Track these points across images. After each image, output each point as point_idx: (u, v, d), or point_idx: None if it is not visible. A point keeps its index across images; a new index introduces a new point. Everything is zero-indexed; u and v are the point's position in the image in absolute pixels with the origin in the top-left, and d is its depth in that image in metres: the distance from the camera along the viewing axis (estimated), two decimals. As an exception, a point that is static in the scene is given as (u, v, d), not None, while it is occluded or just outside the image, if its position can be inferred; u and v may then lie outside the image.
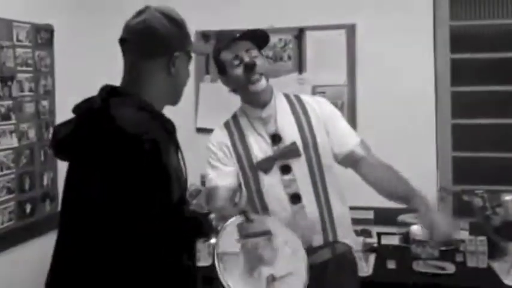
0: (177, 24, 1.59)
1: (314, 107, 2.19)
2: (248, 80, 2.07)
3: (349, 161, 2.19)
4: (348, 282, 2.17)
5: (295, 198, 2.09)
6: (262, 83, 2.09)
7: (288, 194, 2.09)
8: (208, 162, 2.20)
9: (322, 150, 2.14)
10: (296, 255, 1.73)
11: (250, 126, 2.16)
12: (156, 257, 1.39)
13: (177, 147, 1.58)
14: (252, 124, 2.16)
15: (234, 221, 1.70)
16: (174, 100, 1.66)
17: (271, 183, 2.10)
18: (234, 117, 2.22)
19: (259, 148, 2.12)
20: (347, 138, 2.20)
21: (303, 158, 2.11)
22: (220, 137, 2.19)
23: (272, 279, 1.59)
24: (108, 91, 1.53)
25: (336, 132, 2.18)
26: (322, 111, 2.19)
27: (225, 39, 2.12)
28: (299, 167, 2.11)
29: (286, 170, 2.10)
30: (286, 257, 1.69)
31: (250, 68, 2.06)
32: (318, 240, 2.09)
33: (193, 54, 1.69)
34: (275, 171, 2.10)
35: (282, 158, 2.11)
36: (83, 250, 1.43)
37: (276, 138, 2.12)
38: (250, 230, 1.65)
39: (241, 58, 2.07)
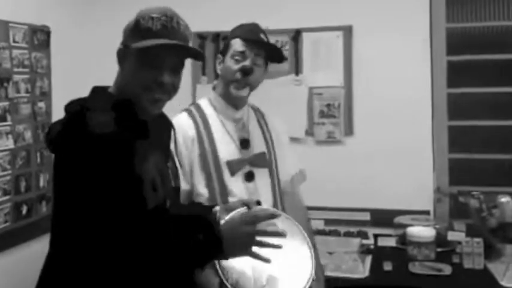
0: (134, 20, 1.51)
1: (276, 128, 2.25)
2: (236, 80, 2.06)
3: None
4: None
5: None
6: (245, 91, 2.09)
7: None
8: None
9: (280, 167, 2.21)
10: (300, 242, 1.72)
11: (219, 123, 2.12)
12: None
13: (167, 155, 1.57)
14: (223, 122, 2.12)
15: (237, 212, 1.69)
16: (127, 96, 1.50)
17: (235, 187, 2.07)
18: (198, 107, 2.16)
19: (226, 148, 2.09)
20: (284, 170, 2.25)
21: (266, 169, 2.14)
22: (185, 126, 2.08)
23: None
24: (91, 90, 1.54)
25: (279, 162, 2.23)
26: (279, 137, 2.25)
27: (249, 32, 2.09)
28: (262, 177, 2.12)
29: (250, 177, 2.10)
30: (291, 246, 1.67)
31: (245, 72, 2.05)
32: None
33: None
34: (238, 176, 2.08)
35: (251, 164, 2.11)
36: (54, 249, 1.48)
37: (245, 143, 2.12)
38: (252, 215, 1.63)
39: (245, 58, 2.06)
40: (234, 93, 2.08)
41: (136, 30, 1.49)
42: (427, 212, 3.16)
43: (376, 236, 3.06)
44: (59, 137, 1.42)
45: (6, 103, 2.89)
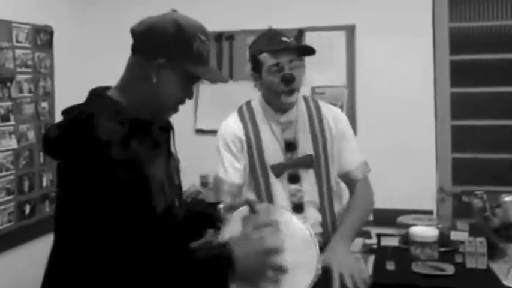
0: (180, 31, 1.44)
1: (330, 122, 2.21)
2: (282, 91, 2.07)
3: (345, 179, 2.27)
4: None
5: (298, 208, 2.11)
6: (294, 96, 2.11)
7: (292, 203, 2.11)
8: (218, 150, 2.17)
9: (331, 164, 2.19)
10: (305, 245, 1.67)
11: (268, 126, 2.15)
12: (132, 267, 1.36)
13: (169, 153, 1.55)
14: (270, 124, 2.15)
15: (238, 213, 1.68)
16: (155, 114, 1.51)
17: (277, 188, 2.12)
18: (250, 108, 2.20)
19: (273, 151, 2.13)
20: (349, 159, 2.24)
21: (312, 170, 2.14)
22: (234, 128, 2.16)
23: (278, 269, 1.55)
24: (90, 94, 1.50)
25: (342, 151, 2.22)
26: (337, 128, 2.22)
27: (272, 42, 2.08)
28: (308, 178, 2.14)
29: (294, 179, 2.13)
30: (294, 248, 1.64)
31: (288, 81, 2.06)
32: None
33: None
34: (283, 178, 2.12)
35: (294, 167, 2.13)
36: (59, 252, 1.46)
37: (291, 146, 2.14)
38: (255, 222, 1.61)
39: (282, 67, 2.06)
40: (284, 101, 2.10)
41: (187, 50, 1.45)
42: (430, 212, 3.16)
43: (379, 236, 3.05)
44: (60, 141, 1.40)
45: (9, 103, 2.90)
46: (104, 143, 1.33)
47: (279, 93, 2.09)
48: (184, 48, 1.45)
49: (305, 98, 2.24)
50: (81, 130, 1.37)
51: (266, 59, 2.08)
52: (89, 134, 1.34)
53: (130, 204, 1.35)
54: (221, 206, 1.77)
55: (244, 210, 1.69)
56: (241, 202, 1.74)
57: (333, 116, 2.24)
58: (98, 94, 1.50)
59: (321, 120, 2.20)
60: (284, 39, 2.10)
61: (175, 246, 1.48)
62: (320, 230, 2.14)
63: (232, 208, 1.73)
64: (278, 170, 2.12)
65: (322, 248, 2.04)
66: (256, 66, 2.12)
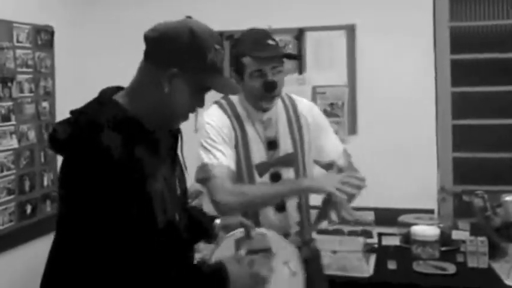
0: (194, 41, 1.41)
1: (306, 116, 2.21)
2: (263, 96, 2.05)
3: (330, 168, 2.26)
4: (321, 271, 2.33)
5: (281, 208, 2.10)
6: (274, 102, 2.10)
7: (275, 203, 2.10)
8: (206, 139, 2.07)
9: (307, 161, 2.18)
10: (295, 276, 1.71)
11: (251, 124, 2.13)
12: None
13: (174, 160, 1.54)
14: (253, 122, 2.13)
15: (233, 235, 1.68)
16: (165, 122, 1.49)
17: None
18: (231, 104, 2.14)
19: (257, 149, 2.11)
20: (331, 149, 2.25)
21: (292, 168, 2.13)
22: (223, 121, 2.10)
23: None
24: (98, 101, 1.48)
25: (322, 142, 2.23)
26: (314, 120, 2.22)
27: (257, 45, 2.03)
28: (288, 176, 2.12)
29: (276, 178, 2.11)
30: (283, 277, 1.66)
31: (270, 88, 2.04)
32: (295, 241, 2.06)
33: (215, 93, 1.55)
34: (265, 177, 2.10)
35: (277, 166, 2.11)
36: (58, 252, 1.45)
37: (272, 144, 2.12)
38: (248, 247, 1.61)
39: (265, 74, 2.03)
40: (264, 106, 2.09)
41: (201, 60, 1.42)
42: (431, 211, 3.16)
43: (380, 235, 3.06)
44: (69, 143, 1.40)
45: (10, 103, 2.90)
46: (108, 154, 1.33)
47: (259, 98, 2.06)
48: (198, 58, 1.42)
49: (281, 97, 2.20)
50: (87, 142, 1.36)
51: (249, 63, 2.03)
52: (95, 147, 1.34)
53: (132, 217, 1.35)
54: (218, 222, 1.76)
55: (238, 233, 1.69)
56: (236, 223, 1.73)
57: (308, 110, 2.24)
58: (106, 101, 1.46)
59: (297, 118, 2.20)
60: (270, 42, 2.06)
61: (174, 254, 1.48)
62: (298, 228, 2.14)
63: (227, 227, 1.72)
64: (262, 169, 2.10)
65: (300, 247, 2.05)
66: (239, 68, 2.08)
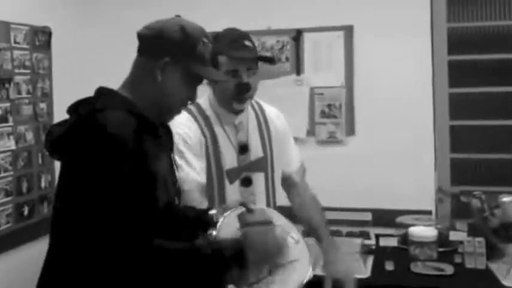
0: (184, 34, 1.53)
1: (274, 122, 2.22)
2: (235, 97, 2.04)
3: (285, 182, 2.28)
4: None
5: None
6: (246, 104, 2.10)
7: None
8: (179, 151, 1.99)
9: (276, 167, 2.20)
10: (299, 243, 1.73)
11: (222, 129, 2.09)
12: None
13: (171, 150, 1.57)
14: (223, 126, 2.10)
15: (234, 211, 1.68)
16: (160, 113, 1.57)
17: (230, 192, 2.07)
18: (199, 109, 2.10)
19: (228, 154, 2.08)
20: (290, 161, 2.27)
21: (263, 173, 2.14)
22: (192, 129, 2.05)
23: (275, 265, 1.58)
24: (98, 92, 1.54)
25: (284, 153, 2.24)
26: (280, 129, 2.24)
27: (234, 45, 2.01)
28: (258, 181, 2.13)
29: (246, 182, 2.10)
30: (290, 245, 1.66)
31: (244, 90, 2.03)
32: None
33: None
34: (235, 183, 2.09)
35: (248, 171, 2.11)
36: (55, 254, 1.47)
37: (244, 148, 2.11)
38: (251, 219, 1.62)
39: (240, 76, 2.01)
40: (236, 107, 2.07)
41: (191, 52, 1.54)
42: (428, 212, 3.16)
43: (377, 236, 3.05)
44: (68, 137, 1.42)
45: (7, 104, 2.89)
46: (116, 136, 1.37)
47: (232, 98, 2.04)
48: (188, 49, 1.54)
49: (250, 103, 2.19)
50: (93, 124, 1.39)
51: (224, 62, 2.01)
52: (101, 127, 1.38)
53: (134, 197, 1.37)
54: (213, 211, 1.77)
55: (238, 209, 1.69)
56: (234, 204, 1.74)
57: (275, 116, 2.25)
58: (107, 91, 1.54)
59: (266, 122, 2.21)
60: (247, 43, 2.04)
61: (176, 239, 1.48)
62: None
63: (224, 210, 1.72)
64: (233, 175, 2.07)
65: None
66: (214, 66, 2.01)
